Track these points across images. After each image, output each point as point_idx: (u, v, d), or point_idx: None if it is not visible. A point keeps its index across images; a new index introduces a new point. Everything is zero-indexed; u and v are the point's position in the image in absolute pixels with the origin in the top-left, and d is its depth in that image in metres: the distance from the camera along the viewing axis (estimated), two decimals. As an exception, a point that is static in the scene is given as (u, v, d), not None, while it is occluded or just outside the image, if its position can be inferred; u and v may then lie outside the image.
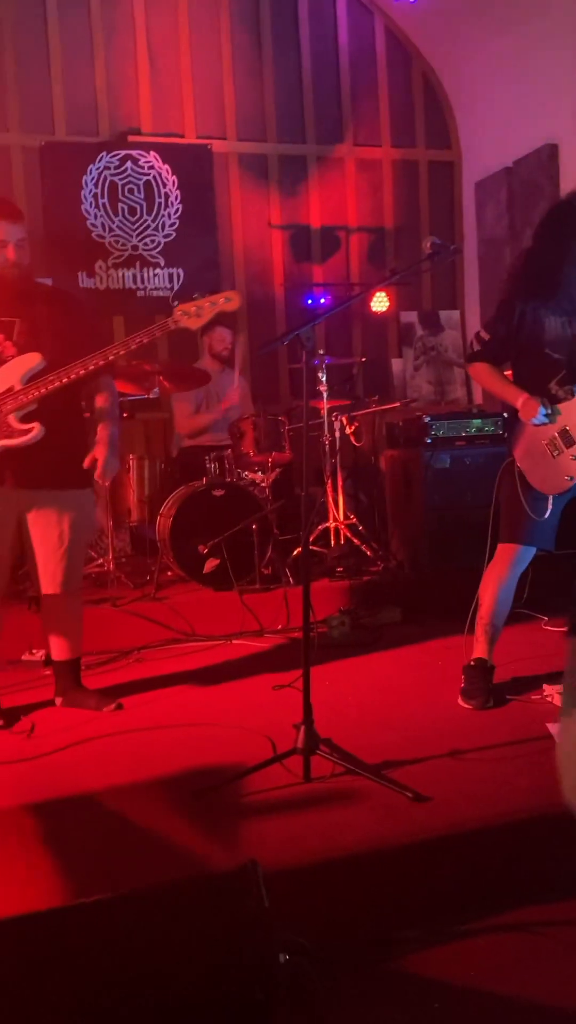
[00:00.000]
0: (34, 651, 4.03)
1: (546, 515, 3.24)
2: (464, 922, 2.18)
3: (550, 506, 3.24)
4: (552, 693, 3.14)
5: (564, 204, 3.27)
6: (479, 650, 3.37)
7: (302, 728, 2.60)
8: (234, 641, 4.22)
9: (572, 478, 3.21)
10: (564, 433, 3.19)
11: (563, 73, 5.85)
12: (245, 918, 1.51)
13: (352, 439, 5.60)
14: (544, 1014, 1.93)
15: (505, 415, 4.96)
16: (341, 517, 5.23)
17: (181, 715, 3.28)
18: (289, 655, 3.85)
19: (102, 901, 1.65)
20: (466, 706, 3.24)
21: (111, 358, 3.05)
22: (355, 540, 5.12)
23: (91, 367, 3.02)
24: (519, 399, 3.21)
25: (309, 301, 6.56)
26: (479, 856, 2.28)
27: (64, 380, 3.02)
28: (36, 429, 3.04)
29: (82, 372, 3.02)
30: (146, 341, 3.10)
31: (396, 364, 7.12)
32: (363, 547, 5.09)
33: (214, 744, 2.96)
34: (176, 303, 3.20)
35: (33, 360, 3.06)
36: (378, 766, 2.61)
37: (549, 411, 3.17)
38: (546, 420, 3.17)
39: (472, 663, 3.35)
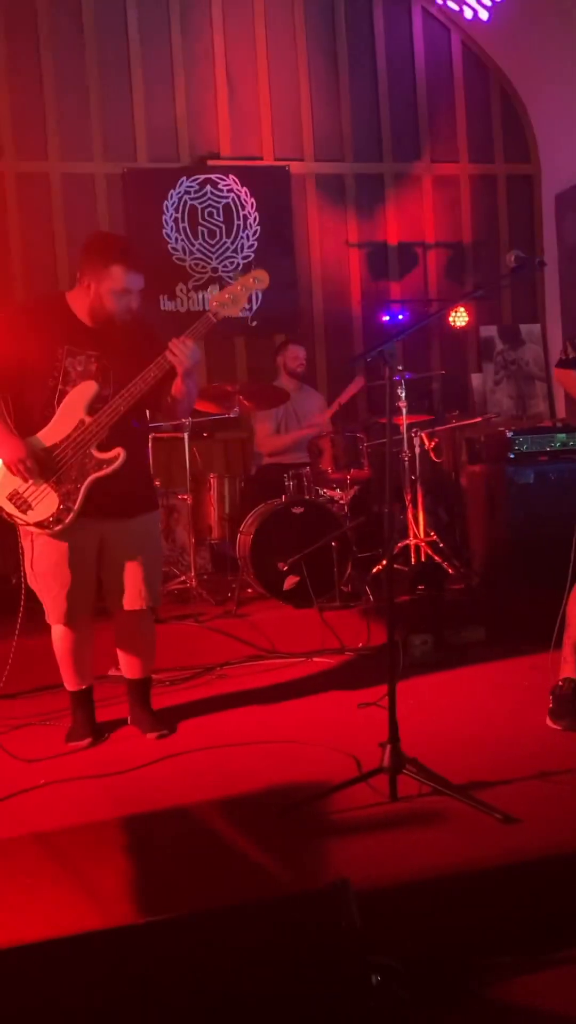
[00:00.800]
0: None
1: None
2: (558, 949, 2.12)
3: None
4: None
5: None
6: (567, 670, 3.29)
7: (388, 746, 2.58)
8: (315, 658, 4.22)
9: None
10: None
11: None
12: (338, 937, 1.50)
13: (432, 455, 5.56)
14: None
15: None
16: (421, 534, 5.19)
17: (264, 732, 3.29)
18: (370, 673, 3.82)
19: (193, 916, 1.66)
20: (555, 727, 3.17)
21: (162, 364, 3.00)
22: (436, 557, 5.07)
23: (150, 377, 3.02)
24: None
25: (387, 318, 6.55)
26: (571, 880, 2.22)
27: (130, 399, 3.03)
28: (120, 454, 3.07)
29: (143, 385, 3.02)
30: (194, 339, 3.05)
31: (476, 379, 7.05)
32: (444, 564, 5.04)
33: (298, 761, 2.96)
34: (212, 292, 3.18)
35: (89, 389, 3.04)
36: (466, 787, 2.57)
37: None
38: None
39: (560, 683, 3.28)
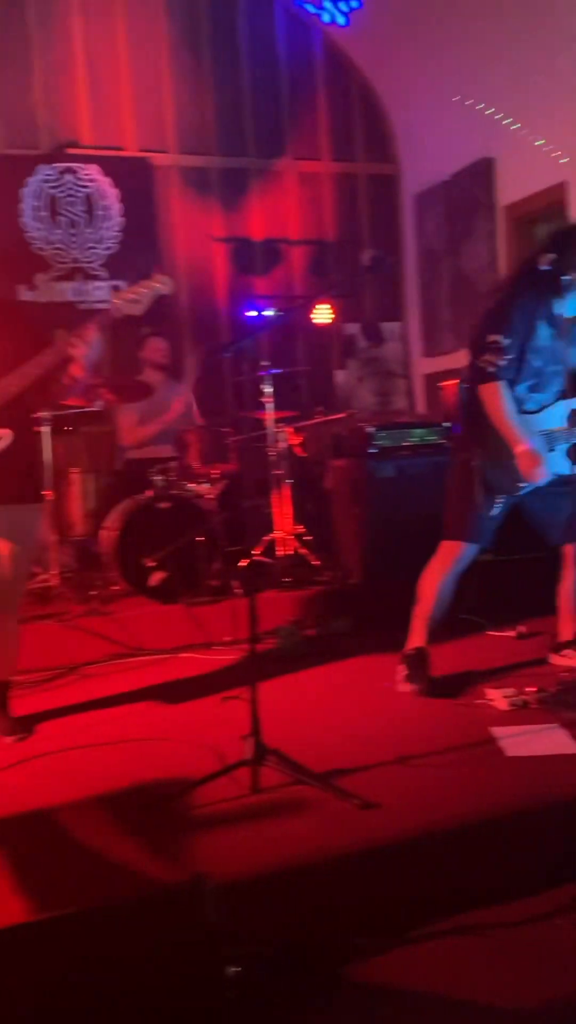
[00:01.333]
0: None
1: (492, 512, 3.33)
2: (417, 927, 2.19)
3: (498, 505, 3.33)
4: (495, 697, 3.18)
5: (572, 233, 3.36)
6: (417, 639, 3.46)
7: (250, 739, 2.60)
8: (182, 655, 4.20)
9: (523, 486, 3.29)
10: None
11: (499, 90, 5.98)
12: (193, 932, 1.50)
13: (297, 450, 5.62)
14: (494, 1015, 1.95)
15: (447, 424, 5.04)
16: (287, 527, 5.24)
17: (128, 730, 3.25)
18: (237, 666, 3.84)
19: (49, 920, 1.63)
20: (408, 689, 3.29)
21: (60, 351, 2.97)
22: (302, 550, 5.13)
23: (45, 361, 2.97)
24: (521, 445, 3.24)
25: (252, 313, 6.57)
26: (427, 861, 2.30)
27: (22, 381, 2.96)
28: (8, 435, 3.00)
29: (37, 369, 2.96)
30: (93, 334, 3.02)
31: (340, 375, 7.17)
32: (310, 557, 5.11)
33: (162, 759, 2.94)
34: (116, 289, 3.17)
35: None
36: (327, 775, 2.62)
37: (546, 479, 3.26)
38: (546, 477, 3.23)
39: (411, 651, 3.42)
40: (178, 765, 2.84)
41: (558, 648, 3.63)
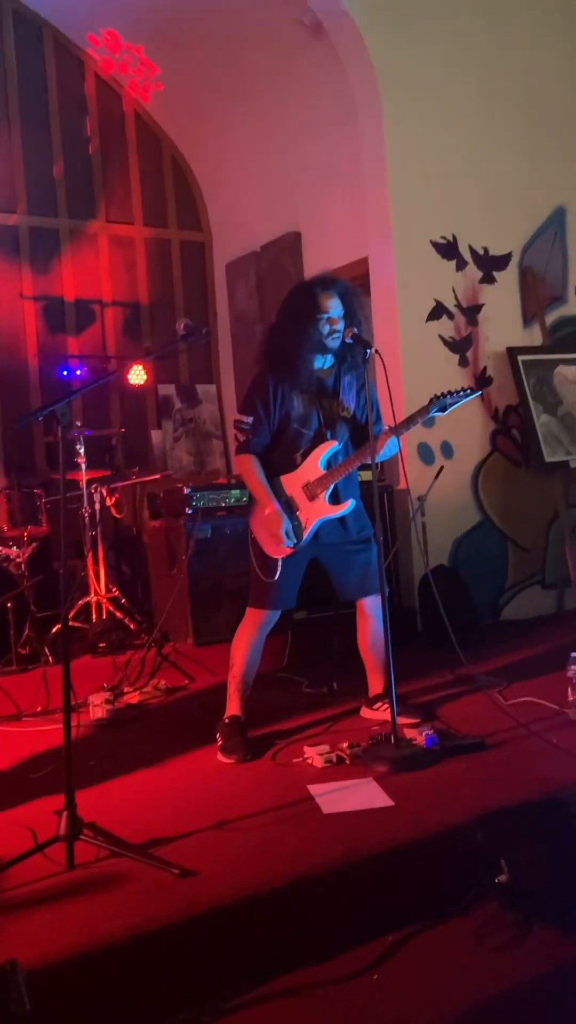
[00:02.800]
0: None
1: (276, 577, 3.43)
2: (237, 995, 2.17)
3: (279, 568, 3.43)
4: (311, 755, 3.24)
5: (300, 289, 3.52)
6: (232, 707, 3.51)
7: (64, 814, 2.51)
8: (-10, 727, 4.01)
9: (295, 544, 3.42)
10: (289, 501, 3.42)
11: (304, 168, 6.30)
12: (7, 1022, 1.42)
13: (113, 511, 5.57)
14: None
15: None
16: (103, 590, 5.16)
17: None
18: (51, 738, 3.70)
19: None
20: (227, 761, 3.31)
21: None
22: (118, 614, 5.06)
23: None
24: (267, 508, 3.38)
25: (64, 372, 6.50)
26: (245, 926, 2.29)
27: None
28: None
29: None
30: None
31: (156, 435, 7.19)
32: (126, 620, 5.04)
33: (-31, 840, 2.78)
34: None
35: None
36: (145, 845, 2.57)
37: (293, 540, 3.40)
38: (290, 543, 3.37)
39: (227, 720, 3.46)
40: (-13, 846, 2.70)
41: (370, 702, 3.75)
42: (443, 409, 3.42)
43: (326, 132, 5.99)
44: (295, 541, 3.42)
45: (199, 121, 7.03)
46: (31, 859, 2.49)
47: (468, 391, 3.44)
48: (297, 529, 3.43)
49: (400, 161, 5.42)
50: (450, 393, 3.41)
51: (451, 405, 3.42)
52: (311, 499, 3.44)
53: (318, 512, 3.46)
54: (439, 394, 3.41)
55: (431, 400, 3.41)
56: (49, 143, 6.87)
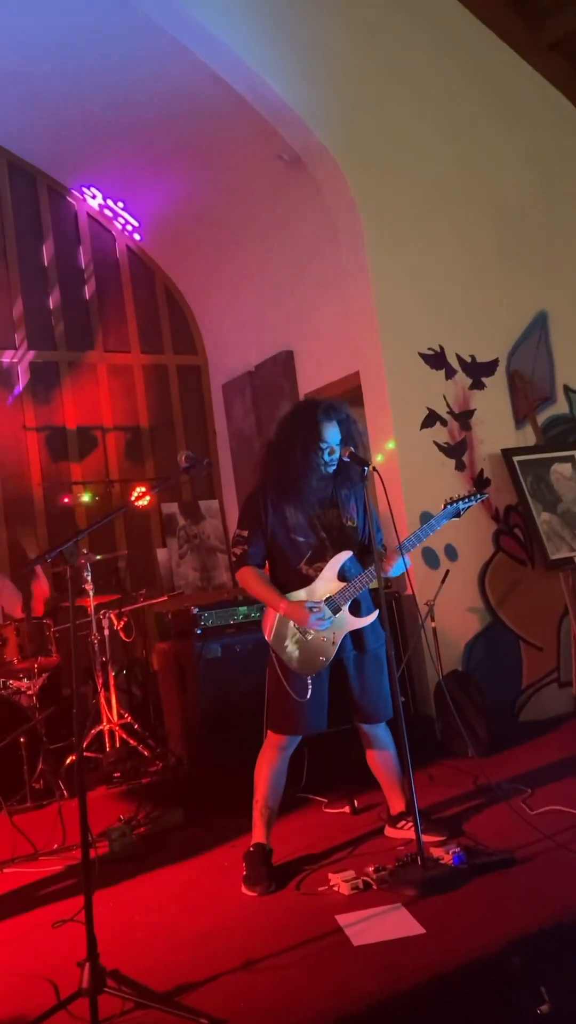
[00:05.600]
0: None
1: (307, 696, 3.38)
2: None
3: (310, 686, 3.39)
4: (337, 882, 3.15)
5: (301, 414, 3.61)
6: (257, 835, 3.43)
7: (87, 965, 2.43)
8: (5, 870, 3.90)
9: (326, 659, 3.40)
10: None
11: (293, 289, 6.53)
12: None
13: (122, 635, 5.56)
14: None
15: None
16: (115, 718, 5.11)
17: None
18: (68, 877, 3.61)
19: None
20: (251, 893, 3.22)
21: None
22: (131, 741, 5.00)
23: None
24: (280, 605, 3.39)
25: (67, 499, 6.60)
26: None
27: None
28: None
29: None
30: None
31: (161, 554, 7.24)
32: (140, 747, 4.97)
33: (-11, 997, 2.69)
34: None
35: None
36: (170, 993, 2.49)
37: (323, 615, 3.37)
38: (326, 623, 3.37)
39: (251, 849, 3.39)
40: (9, 1002, 2.60)
41: (392, 820, 3.67)
42: (457, 514, 3.56)
43: (313, 255, 6.24)
44: (329, 615, 3.38)
45: (190, 251, 7.33)
46: (54, 1017, 2.40)
47: (478, 495, 3.60)
48: (327, 642, 3.41)
49: (384, 280, 5.63)
50: (461, 499, 3.56)
51: (464, 508, 3.55)
52: (335, 612, 3.44)
53: (345, 625, 3.46)
54: (451, 499, 3.56)
55: (445, 504, 3.55)
56: (46, 280, 7.15)
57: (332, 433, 3.44)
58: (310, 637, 3.40)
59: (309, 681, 3.41)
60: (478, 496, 3.61)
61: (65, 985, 2.53)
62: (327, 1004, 2.38)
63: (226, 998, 2.45)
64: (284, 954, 2.70)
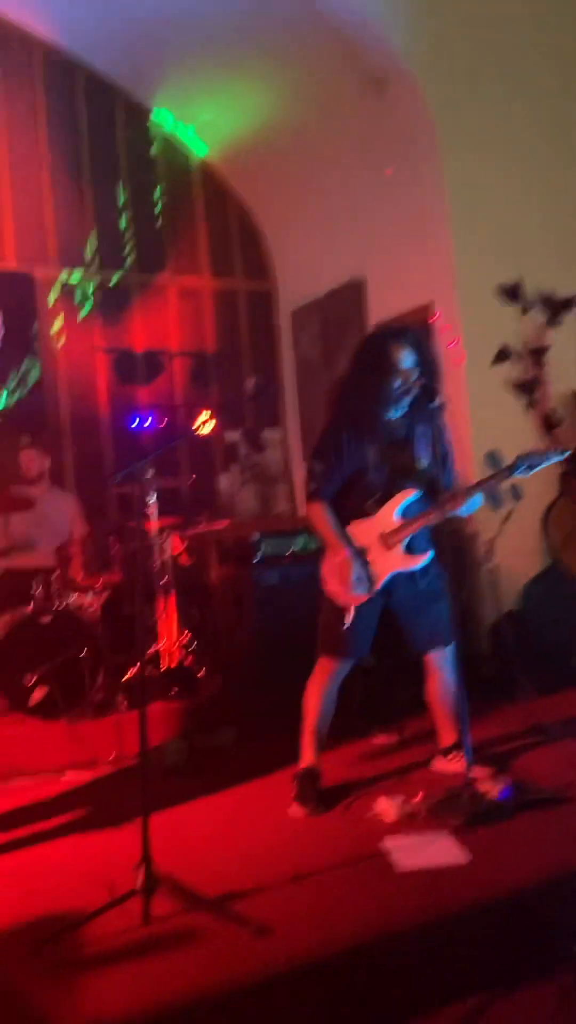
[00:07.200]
0: None
1: (348, 624, 3.42)
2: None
3: (351, 616, 3.42)
4: (384, 809, 3.21)
5: (372, 341, 3.56)
6: (306, 758, 3.50)
7: (141, 867, 2.54)
8: (65, 775, 4.06)
9: (367, 590, 3.41)
10: (362, 550, 3.42)
11: (367, 215, 6.38)
12: None
13: (182, 558, 5.64)
14: None
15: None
16: (174, 637, 5.21)
17: (8, 862, 3.11)
18: (124, 786, 3.75)
19: None
20: (298, 814, 3.30)
21: None
22: (188, 660, 5.10)
23: None
24: (340, 554, 3.38)
25: (136, 422, 6.65)
26: (321, 986, 2.27)
27: None
28: None
29: None
30: None
31: (223, 481, 7.29)
32: (196, 667, 5.08)
33: (48, 892, 2.82)
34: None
35: None
36: (220, 899, 2.58)
37: (365, 587, 3.38)
38: (362, 590, 3.36)
39: (301, 771, 3.45)
40: (66, 899, 2.73)
41: (443, 753, 3.71)
42: (530, 468, 3.31)
43: (390, 180, 6.07)
44: (367, 588, 3.41)
45: (264, 173, 7.19)
46: (110, 913, 2.51)
47: (557, 452, 3.36)
48: (371, 577, 3.43)
49: (462, 208, 5.46)
50: (537, 453, 3.32)
51: (537, 466, 3.31)
52: (387, 549, 3.44)
53: (394, 563, 3.46)
54: (526, 453, 3.31)
55: (517, 459, 3.30)
56: (119, 201, 7.09)
57: (405, 357, 3.37)
58: (356, 576, 3.40)
59: (353, 609, 3.44)
60: (554, 453, 3.34)
61: (121, 884, 2.63)
62: (370, 920, 2.45)
63: (272, 909, 2.53)
64: (329, 872, 2.78)
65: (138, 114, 7.15)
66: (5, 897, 2.80)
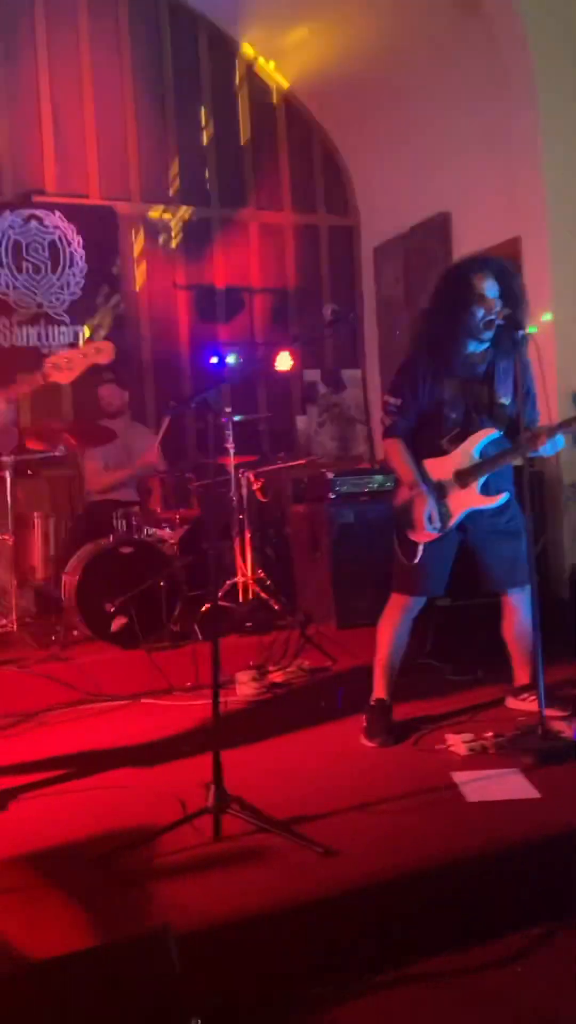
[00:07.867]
0: None
1: (417, 560, 3.39)
2: (373, 976, 2.20)
3: (420, 552, 3.39)
4: (455, 743, 3.22)
5: (453, 271, 3.47)
6: (378, 691, 3.51)
7: (212, 787, 2.61)
8: (142, 700, 4.18)
9: (438, 529, 3.37)
10: (437, 486, 3.37)
11: (454, 146, 6.18)
12: (156, 983, 1.51)
13: (259, 495, 5.68)
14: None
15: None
16: (249, 572, 5.28)
17: (87, 778, 3.23)
18: (199, 713, 3.84)
19: (10, 974, 1.63)
20: (370, 744, 3.33)
21: None
22: (263, 595, 5.16)
23: None
24: (413, 490, 3.35)
25: (215, 359, 6.66)
26: (386, 908, 2.32)
27: None
28: None
29: None
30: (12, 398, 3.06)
31: (301, 421, 7.27)
32: (271, 601, 5.14)
33: (123, 807, 2.93)
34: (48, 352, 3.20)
35: None
36: (289, 821, 2.63)
37: (436, 525, 3.34)
38: (432, 528, 3.31)
39: (373, 703, 3.48)
40: (139, 813, 2.83)
41: (515, 692, 3.69)
42: None
43: (477, 109, 5.86)
44: (439, 526, 3.38)
45: (348, 105, 7.01)
46: (181, 829, 2.59)
47: None
48: (444, 515, 3.39)
49: (555, 138, 5.25)
50: None
51: None
52: (463, 487, 3.40)
53: (468, 501, 3.41)
54: None
55: None
56: (201, 134, 7.02)
57: (488, 286, 3.27)
58: (427, 513, 3.36)
59: (421, 546, 3.41)
60: None
61: (192, 803, 2.72)
62: (436, 849, 2.48)
63: (340, 833, 2.58)
64: (398, 800, 2.81)
65: (222, 44, 7.03)
66: (81, 810, 2.92)
